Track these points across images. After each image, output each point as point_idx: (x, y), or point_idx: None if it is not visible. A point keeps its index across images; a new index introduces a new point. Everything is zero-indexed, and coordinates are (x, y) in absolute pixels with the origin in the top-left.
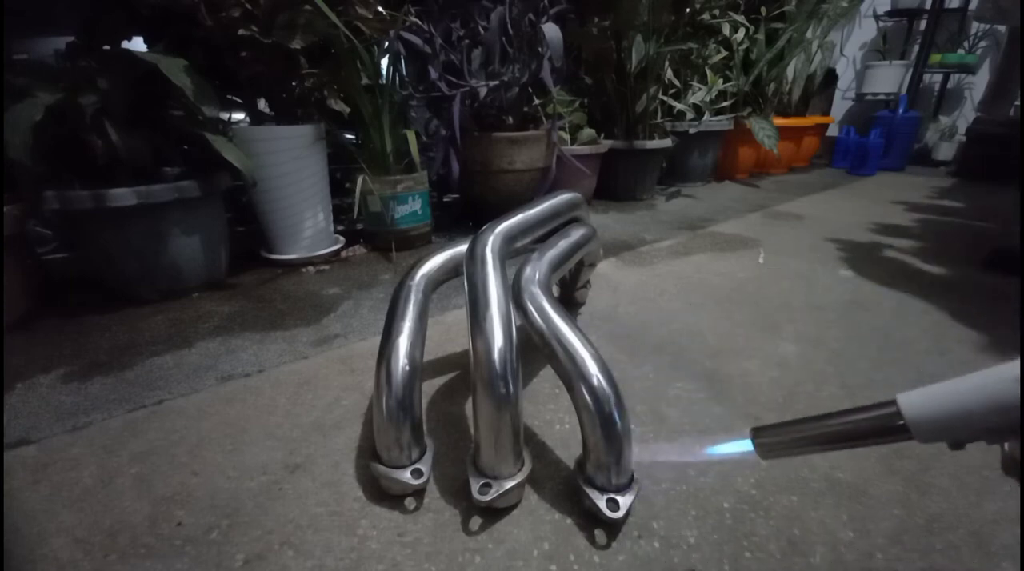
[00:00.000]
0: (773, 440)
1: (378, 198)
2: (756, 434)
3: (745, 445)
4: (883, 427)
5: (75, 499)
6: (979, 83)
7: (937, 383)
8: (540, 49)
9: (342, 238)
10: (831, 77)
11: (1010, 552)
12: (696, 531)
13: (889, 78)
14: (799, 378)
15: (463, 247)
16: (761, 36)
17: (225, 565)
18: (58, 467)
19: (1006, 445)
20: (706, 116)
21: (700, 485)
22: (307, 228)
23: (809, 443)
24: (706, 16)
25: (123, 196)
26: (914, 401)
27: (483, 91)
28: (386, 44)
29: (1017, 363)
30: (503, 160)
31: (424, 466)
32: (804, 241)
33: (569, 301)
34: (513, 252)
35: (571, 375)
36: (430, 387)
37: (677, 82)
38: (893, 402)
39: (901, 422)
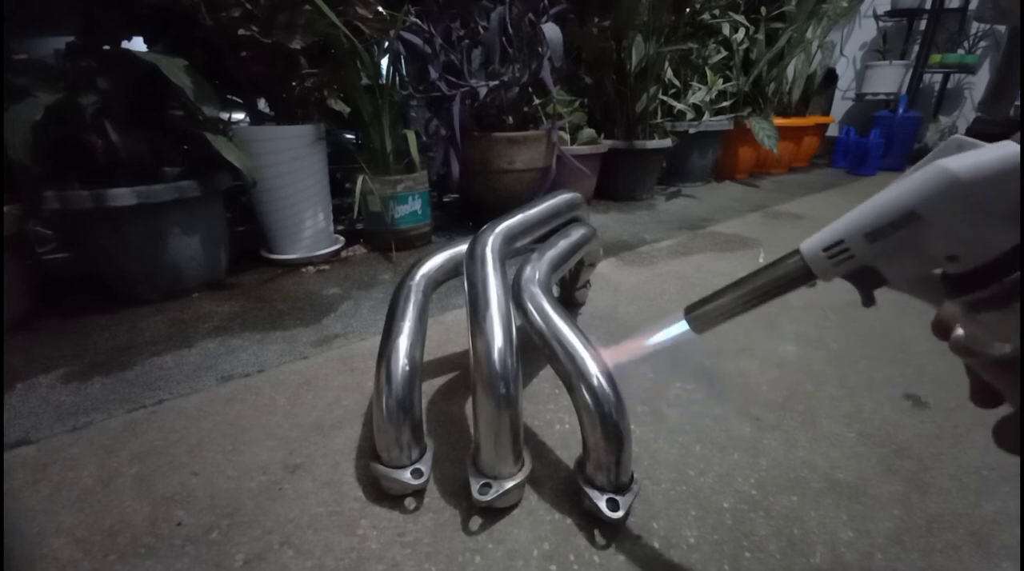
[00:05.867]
0: (703, 313)
1: (378, 198)
2: (688, 311)
3: (681, 326)
4: (791, 275)
5: (75, 499)
6: (979, 83)
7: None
8: (540, 49)
9: (342, 238)
10: (831, 77)
11: (1010, 552)
12: (696, 531)
13: (889, 78)
14: (799, 378)
15: (463, 247)
16: (761, 36)
17: (225, 565)
18: (58, 467)
19: (957, 330)
20: (706, 116)
21: (700, 485)
22: (307, 228)
23: (734, 307)
24: (706, 16)
25: (123, 196)
26: (811, 243)
27: (483, 91)
28: (386, 44)
29: (884, 189)
30: (503, 160)
31: (424, 466)
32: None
33: (569, 301)
34: (513, 252)
35: (571, 375)
36: (430, 387)
37: (677, 82)
38: (797, 250)
39: (803, 265)
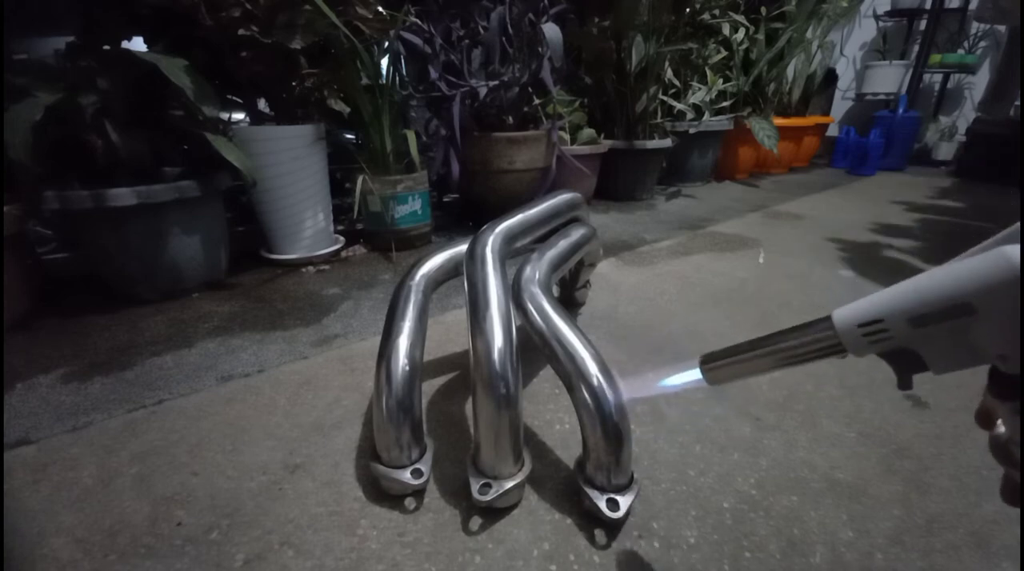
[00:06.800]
0: (720, 367)
1: (378, 198)
2: (704, 362)
3: (695, 374)
4: (820, 345)
5: (75, 499)
6: (979, 83)
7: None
8: (540, 49)
9: (342, 238)
10: (831, 77)
11: (1010, 552)
12: (696, 531)
13: (889, 78)
14: (799, 378)
15: (463, 247)
16: (761, 36)
17: (225, 565)
18: (58, 467)
19: (999, 427)
20: (706, 116)
21: (700, 485)
22: (307, 228)
23: (753, 368)
24: (706, 16)
25: (123, 196)
26: (845, 314)
27: (483, 91)
28: (386, 44)
29: (935, 270)
30: (503, 160)
31: (424, 466)
32: (804, 241)
33: (569, 301)
34: (513, 252)
35: (571, 375)
36: (430, 387)
37: (677, 82)
38: (829, 318)
39: (836, 340)
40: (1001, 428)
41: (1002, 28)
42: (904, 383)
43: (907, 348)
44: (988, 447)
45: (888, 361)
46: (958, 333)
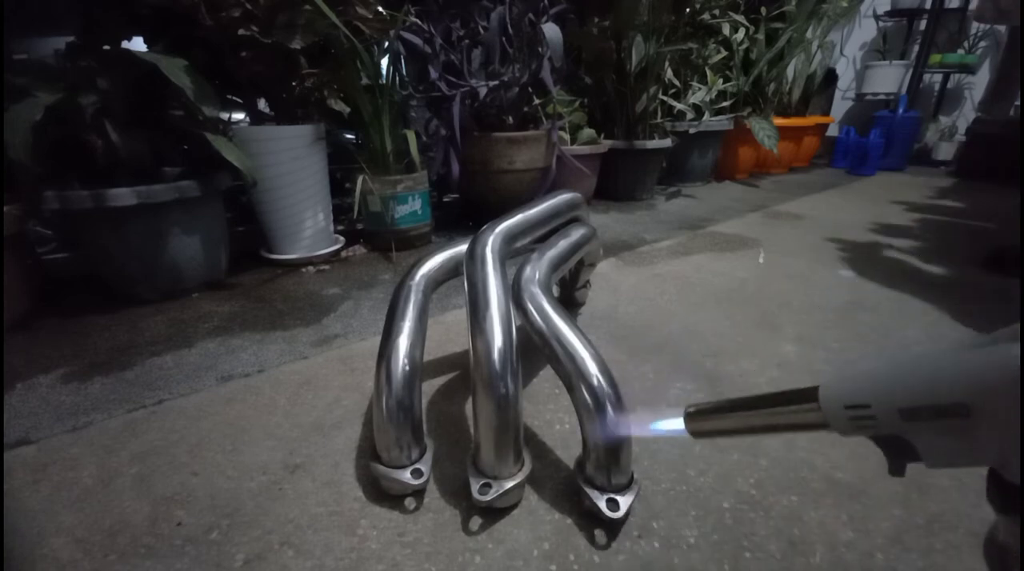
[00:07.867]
0: (703, 422)
1: (378, 198)
2: (688, 416)
3: (679, 423)
4: (804, 420)
5: (75, 499)
6: (979, 83)
7: (861, 368)
8: (540, 49)
9: (342, 238)
10: (831, 77)
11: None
12: (696, 531)
13: (889, 78)
14: (799, 378)
15: (463, 247)
16: (761, 36)
17: (225, 565)
18: (58, 467)
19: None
20: (706, 116)
21: (700, 485)
22: (307, 228)
23: (735, 429)
24: (706, 16)
25: (123, 196)
26: (833, 391)
27: (483, 91)
28: (386, 44)
29: (934, 354)
30: (503, 160)
31: (424, 466)
32: (804, 241)
33: (569, 301)
34: (513, 252)
35: (571, 375)
36: (430, 387)
37: (677, 82)
38: (816, 390)
39: (821, 417)
40: (997, 529)
41: (1002, 28)
42: (896, 469)
43: (898, 436)
44: (983, 552)
45: (879, 445)
46: (954, 431)
